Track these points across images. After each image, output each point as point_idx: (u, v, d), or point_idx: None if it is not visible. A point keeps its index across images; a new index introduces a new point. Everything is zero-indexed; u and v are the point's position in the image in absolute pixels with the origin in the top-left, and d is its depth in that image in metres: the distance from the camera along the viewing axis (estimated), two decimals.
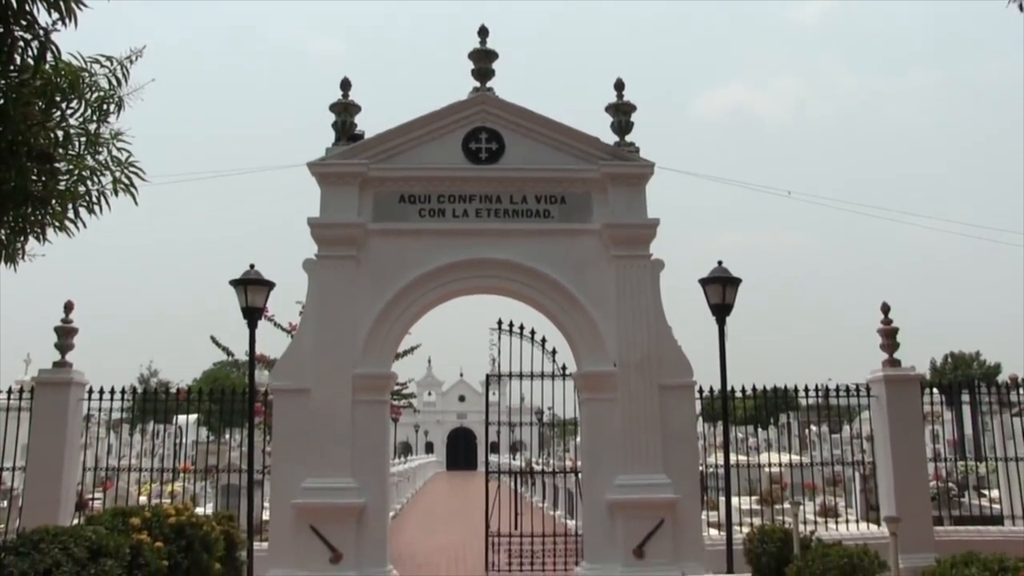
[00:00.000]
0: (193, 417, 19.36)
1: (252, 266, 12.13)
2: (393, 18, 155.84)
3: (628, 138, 13.10)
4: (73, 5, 5.33)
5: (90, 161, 6.44)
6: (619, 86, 13.21)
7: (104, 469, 14.36)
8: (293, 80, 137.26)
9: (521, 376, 13.16)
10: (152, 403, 14.30)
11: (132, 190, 6.57)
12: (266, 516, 13.21)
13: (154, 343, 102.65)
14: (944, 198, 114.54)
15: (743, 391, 13.65)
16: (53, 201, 6.29)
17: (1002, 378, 18.88)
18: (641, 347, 12.34)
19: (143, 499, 15.26)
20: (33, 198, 6.13)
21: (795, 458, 16.97)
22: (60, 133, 6.22)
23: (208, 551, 9.65)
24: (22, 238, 6.42)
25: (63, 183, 6.36)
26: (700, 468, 13.31)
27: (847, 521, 14.43)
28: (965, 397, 16.55)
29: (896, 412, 13.52)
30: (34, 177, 6.10)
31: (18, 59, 5.44)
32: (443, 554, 15.82)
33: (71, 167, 6.37)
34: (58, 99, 6.10)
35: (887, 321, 14.07)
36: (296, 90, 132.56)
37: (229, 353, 20.75)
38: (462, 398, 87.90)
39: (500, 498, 13.21)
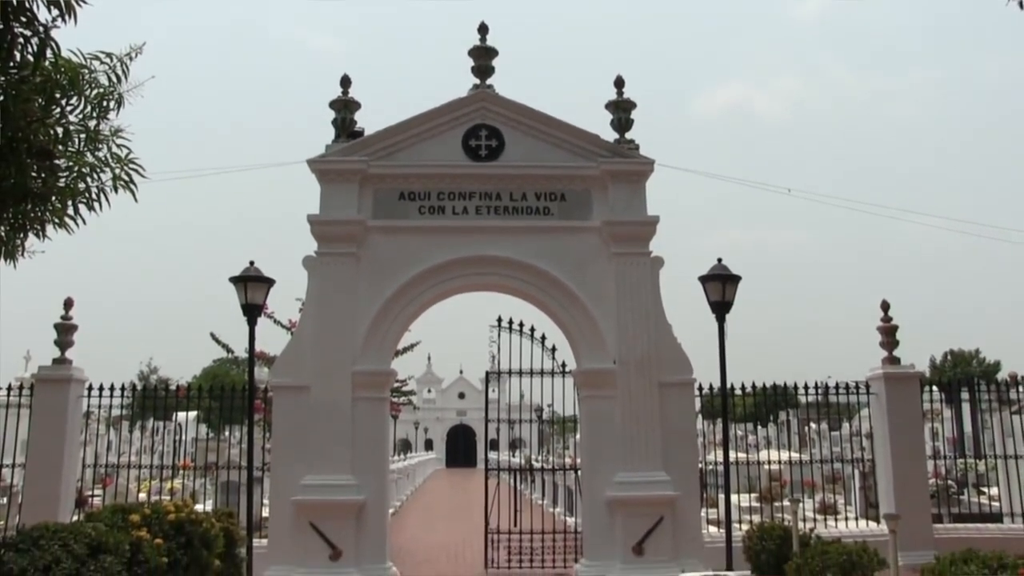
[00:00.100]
0: (193, 414, 19.40)
1: (252, 263, 12.12)
2: (393, 15, 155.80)
3: (628, 135, 13.10)
4: (73, 2, 5.33)
5: (90, 158, 6.44)
6: (619, 83, 13.20)
7: (104, 466, 14.39)
8: (293, 77, 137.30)
9: (521, 373, 13.16)
10: (152, 400, 14.34)
11: (132, 187, 6.57)
12: (266, 513, 13.23)
13: (154, 340, 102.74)
14: (944, 195, 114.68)
15: (743, 388, 13.67)
16: (53, 198, 6.30)
17: (1002, 376, 18.86)
18: (641, 344, 12.34)
19: (143, 496, 15.28)
20: (33, 195, 6.13)
21: (794, 455, 17.02)
22: (60, 130, 6.23)
23: (208, 548, 9.65)
24: (22, 235, 6.42)
25: (63, 180, 6.37)
26: (699, 465, 13.31)
27: (846, 518, 14.44)
28: (965, 395, 16.58)
29: (896, 410, 13.54)
30: (34, 174, 6.11)
31: (18, 56, 5.44)
32: (442, 551, 15.84)
33: (71, 164, 6.37)
34: (58, 96, 6.10)
35: (887, 318, 14.09)
36: (296, 87, 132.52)
37: (229, 350, 20.71)
38: (462, 395, 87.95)
39: (500, 495, 13.21)
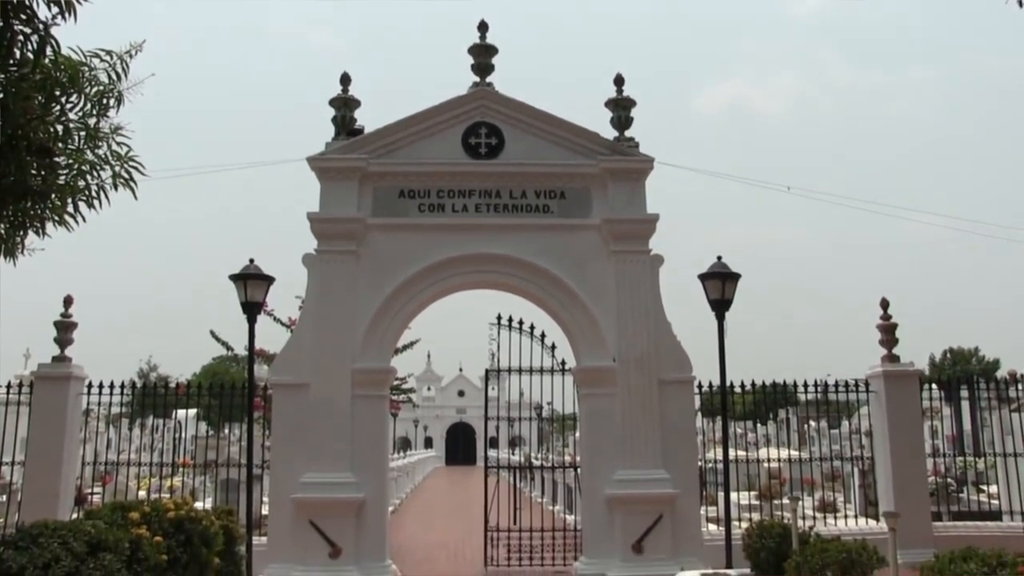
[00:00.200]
0: (192, 412, 19.37)
1: (252, 261, 12.11)
2: (393, 13, 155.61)
3: (628, 133, 13.09)
4: (73, 0, 5.32)
5: (89, 155, 6.44)
6: (618, 81, 13.18)
7: (103, 463, 14.40)
8: (293, 74, 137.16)
9: (520, 371, 13.15)
10: (151, 398, 14.31)
11: (132, 184, 6.57)
12: (265, 511, 13.23)
13: (154, 337, 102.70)
14: (944, 193, 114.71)
15: (742, 386, 13.67)
16: (52, 195, 6.29)
17: (1001, 374, 18.86)
18: (640, 342, 12.34)
19: (142, 493, 15.28)
20: (32, 192, 6.13)
21: (794, 453, 17.03)
22: (60, 127, 6.22)
23: (207, 545, 9.64)
24: (22, 232, 6.42)
25: (62, 177, 6.36)
26: (699, 463, 13.32)
27: (846, 516, 14.46)
28: (964, 393, 16.56)
29: (895, 408, 13.53)
30: (33, 171, 6.10)
31: (18, 53, 5.43)
32: (442, 549, 15.84)
33: (70, 161, 6.36)
34: (58, 93, 6.10)
35: (886, 316, 14.08)
36: (296, 84, 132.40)
37: (228, 348, 20.74)
38: (461, 393, 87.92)
39: (499, 493, 13.21)
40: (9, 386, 13.19)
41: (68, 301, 13.30)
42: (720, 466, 12.61)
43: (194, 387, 14.05)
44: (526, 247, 12.62)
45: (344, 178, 12.58)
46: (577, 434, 17.47)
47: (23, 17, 5.25)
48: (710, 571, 10.36)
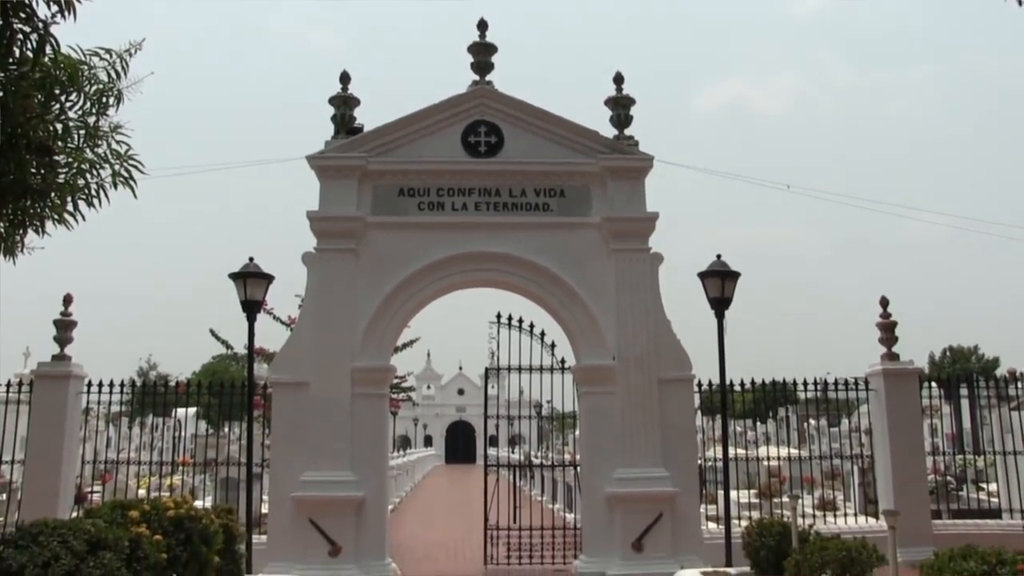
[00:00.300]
0: (192, 410, 19.37)
1: (251, 259, 12.12)
2: (393, 13, 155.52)
3: (627, 132, 13.09)
4: None
5: (89, 154, 6.44)
6: (618, 80, 13.18)
7: (103, 462, 14.40)
8: (293, 74, 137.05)
9: (520, 369, 13.15)
10: (151, 396, 14.29)
11: (131, 183, 6.56)
12: (265, 509, 13.23)
13: (153, 336, 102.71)
14: (944, 192, 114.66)
15: (742, 385, 13.66)
16: (52, 194, 6.28)
17: (1000, 372, 18.87)
18: (640, 340, 12.34)
19: (142, 492, 15.26)
20: (32, 191, 6.12)
21: (794, 452, 17.02)
22: (59, 126, 6.22)
23: (207, 544, 9.63)
24: (21, 231, 6.41)
25: (62, 176, 6.36)
26: (699, 462, 13.32)
27: (845, 515, 14.47)
28: (964, 391, 16.55)
29: (895, 406, 13.53)
30: (33, 170, 6.10)
31: (17, 52, 5.43)
32: (442, 547, 15.84)
33: (70, 160, 6.36)
34: (57, 92, 6.09)
35: (886, 315, 14.08)
36: (296, 83, 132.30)
37: (228, 346, 20.72)
38: (461, 391, 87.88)
39: (499, 491, 13.21)
40: (9, 385, 13.19)
41: (68, 300, 13.28)
42: (720, 464, 12.62)
43: (194, 386, 14.05)
44: (526, 245, 12.62)
45: (343, 176, 12.57)
46: (577, 432, 17.48)
47: (23, 15, 5.25)
48: (710, 569, 10.37)
